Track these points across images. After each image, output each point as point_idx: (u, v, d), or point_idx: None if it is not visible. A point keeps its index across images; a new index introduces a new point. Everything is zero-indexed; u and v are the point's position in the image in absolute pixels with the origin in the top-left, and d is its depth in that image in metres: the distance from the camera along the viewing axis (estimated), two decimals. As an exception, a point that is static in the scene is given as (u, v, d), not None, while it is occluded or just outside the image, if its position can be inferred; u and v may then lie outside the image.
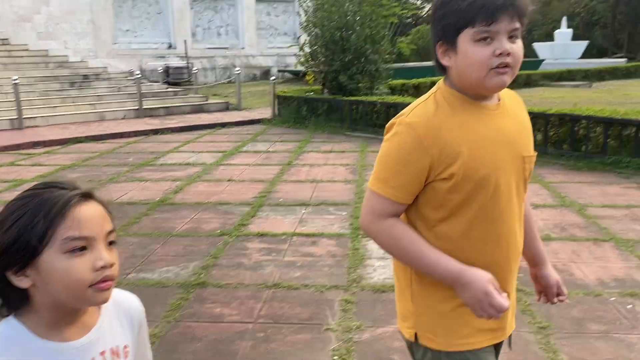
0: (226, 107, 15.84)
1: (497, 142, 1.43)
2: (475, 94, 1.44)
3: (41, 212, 0.98)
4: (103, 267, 1.01)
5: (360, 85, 12.69)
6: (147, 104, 14.61)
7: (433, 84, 11.97)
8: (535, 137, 9.11)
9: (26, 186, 5.36)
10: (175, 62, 21.64)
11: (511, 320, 1.65)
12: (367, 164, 8.46)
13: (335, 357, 3.10)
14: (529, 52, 41.74)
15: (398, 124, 1.44)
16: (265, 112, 14.53)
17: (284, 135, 11.44)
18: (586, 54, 34.35)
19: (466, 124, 1.41)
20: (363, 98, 11.97)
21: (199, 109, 15.37)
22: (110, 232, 1.07)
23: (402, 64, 21.70)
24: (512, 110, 1.53)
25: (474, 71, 1.34)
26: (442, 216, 1.44)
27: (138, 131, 12.06)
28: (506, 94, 1.54)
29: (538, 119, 8.87)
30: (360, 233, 5.19)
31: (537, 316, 3.55)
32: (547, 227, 5.31)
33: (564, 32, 33.43)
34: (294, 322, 3.55)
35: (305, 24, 13.18)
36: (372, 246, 4.87)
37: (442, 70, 1.52)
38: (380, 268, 4.38)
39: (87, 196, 1.07)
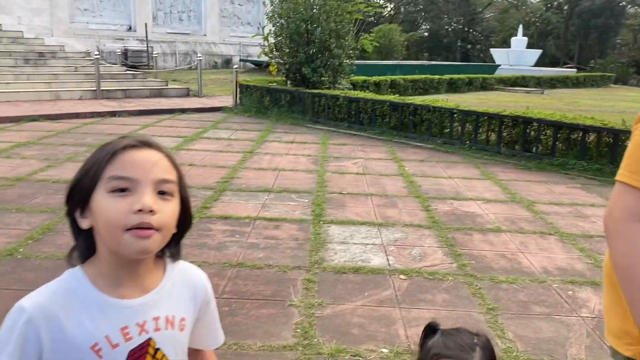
0: (186, 93, 15.70)
1: None
2: None
3: (100, 155, 1.02)
4: (140, 211, 0.97)
5: (323, 78, 12.83)
6: (105, 85, 14.30)
7: (393, 82, 12.42)
8: (489, 137, 9.52)
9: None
10: (134, 45, 21.21)
11: None
12: (328, 155, 8.62)
13: (298, 330, 3.23)
14: (486, 57, 42.95)
15: None
16: (227, 101, 14.48)
17: (246, 124, 11.46)
18: (539, 63, 35.71)
19: None
20: (326, 91, 12.12)
21: (158, 94, 15.16)
22: (163, 182, 1.02)
23: (364, 61, 22.01)
24: None
25: None
26: None
27: (95, 112, 11.82)
28: None
29: (493, 120, 9.26)
30: (322, 219, 5.34)
31: (487, 299, 3.79)
32: (498, 220, 5.60)
33: (519, 39, 34.63)
34: (258, 298, 3.66)
35: (270, 14, 13.21)
36: (334, 231, 5.04)
37: None
38: (341, 252, 4.54)
39: (146, 145, 1.05)
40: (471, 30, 50.88)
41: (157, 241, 1.00)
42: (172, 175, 1.06)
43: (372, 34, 15.67)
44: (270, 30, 13.56)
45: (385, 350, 3.09)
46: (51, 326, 0.98)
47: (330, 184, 6.69)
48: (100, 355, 1.00)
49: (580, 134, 8.29)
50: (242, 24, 25.89)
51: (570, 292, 3.99)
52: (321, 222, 5.28)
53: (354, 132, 10.83)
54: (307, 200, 6.00)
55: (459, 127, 9.71)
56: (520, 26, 37.18)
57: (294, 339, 3.14)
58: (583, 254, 4.75)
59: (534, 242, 5.02)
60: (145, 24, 20.92)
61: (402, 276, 4.13)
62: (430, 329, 1.35)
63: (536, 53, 35.04)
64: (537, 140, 8.72)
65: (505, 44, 40.32)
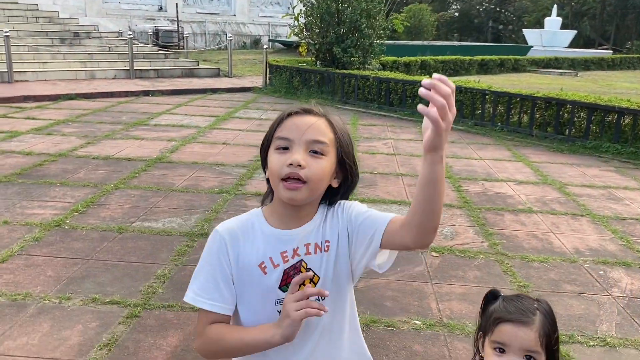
0: (217, 73, 15.85)
1: None
2: None
3: (274, 121, 1.28)
4: (291, 165, 1.18)
5: (353, 59, 12.82)
6: (138, 65, 14.55)
7: (423, 63, 12.30)
8: (521, 119, 9.41)
9: (22, 138, 5.60)
10: (165, 25, 21.41)
11: None
12: (358, 135, 8.68)
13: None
14: (518, 38, 42.00)
15: None
16: (256, 81, 14.59)
17: (276, 105, 11.56)
18: (573, 44, 34.77)
19: None
20: (356, 72, 12.12)
21: (189, 74, 15.35)
22: (315, 142, 1.21)
23: (394, 42, 21.81)
24: None
25: None
26: None
27: (129, 91, 12.07)
28: None
29: (525, 101, 9.16)
30: (353, 198, 5.43)
31: (518, 276, 3.85)
32: (530, 201, 5.61)
33: (553, 19, 33.73)
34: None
35: (301, -6, 13.19)
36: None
37: None
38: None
39: (307, 111, 1.25)
40: (503, 10, 49.76)
41: (303, 193, 1.20)
42: (324, 137, 1.23)
43: (402, 14, 15.53)
44: (300, 10, 13.56)
45: (418, 322, 3.20)
46: (234, 245, 1.26)
47: (361, 164, 6.76)
48: (265, 272, 1.25)
49: (615, 117, 8.16)
50: (270, 4, 25.85)
51: (602, 272, 4.01)
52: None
53: (384, 113, 10.84)
54: (338, 179, 6.09)
55: (491, 109, 9.64)
56: (555, 6, 36.18)
57: (330, 310, 3.26)
58: (615, 236, 4.75)
59: (566, 223, 5.03)
60: (176, 4, 21.09)
61: (433, 253, 4.21)
62: (492, 295, 1.38)
63: (570, 34, 34.13)
64: (570, 123, 8.61)
65: (539, 24, 39.36)
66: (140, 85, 13.04)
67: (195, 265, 1.31)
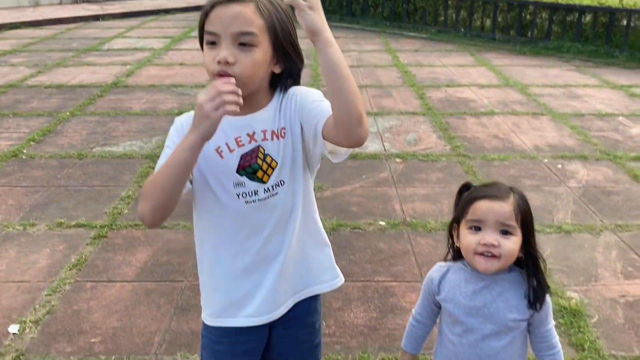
0: (170, -7, 15.03)
1: None
2: None
3: (201, 13, 1.19)
4: (219, 62, 1.13)
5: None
6: (85, -12, 13.68)
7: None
8: (484, 23, 9.25)
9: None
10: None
11: None
12: (320, 49, 8.48)
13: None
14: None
15: None
16: (213, -1, 13.93)
17: (234, 22, 11.11)
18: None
19: None
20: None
21: (141, -5, 14.52)
22: (241, 34, 1.13)
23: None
24: None
25: None
26: None
27: (78, 17, 11.41)
28: None
29: (488, 4, 9.01)
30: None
31: (479, 175, 3.95)
32: (491, 104, 5.66)
33: None
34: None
35: None
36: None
37: None
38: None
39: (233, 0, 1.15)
40: None
41: (238, 85, 1.10)
42: (252, 27, 1.14)
43: None
44: None
45: (382, 223, 3.28)
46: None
47: (324, 78, 6.64)
48: (222, 156, 1.24)
49: (577, 15, 8.12)
50: None
51: (560, 165, 4.14)
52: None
53: (347, 25, 10.56)
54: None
55: (453, 14, 9.47)
56: None
57: (297, 218, 3.31)
58: (574, 131, 4.87)
59: (526, 122, 5.12)
60: None
61: (397, 159, 4.26)
62: (465, 187, 1.37)
63: None
64: (533, 24, 8.55)
65: None
66: (88, 9, 12.34)
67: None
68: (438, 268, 1.39)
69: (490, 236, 1.24)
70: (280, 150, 1.26)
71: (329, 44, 1.06)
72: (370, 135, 4.77)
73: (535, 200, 3.55)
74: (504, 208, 1.24)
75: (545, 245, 3.02)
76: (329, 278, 1.45)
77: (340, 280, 1.48)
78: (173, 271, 2.76)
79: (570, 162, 4.21)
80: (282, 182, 1.27)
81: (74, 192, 3.66)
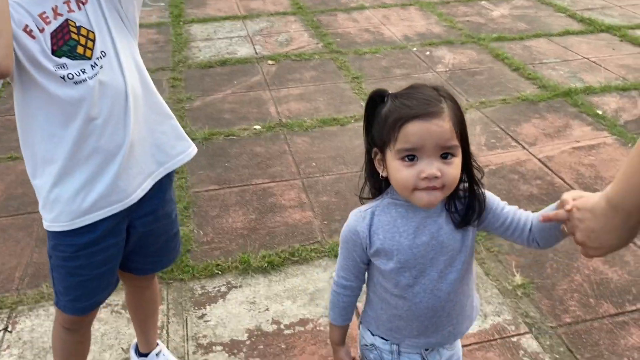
0: None
1: None
2: None
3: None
4: None
5: None
6: None
7: None
8: None
9: None
10: None
11: None
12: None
13: (169, 124, 3.21)
14: None
15: None
16: None
17: None
18: None
19: None
20: None
21: None
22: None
23: None
24: None
25: None
26: None
27: None
28: None
29: None
30: (182, 20, 5.03)
31: (351, 69, 3.93)
32: (362, -2, 5.59)
33: None
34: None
35: None
36: (196, 30, 4.79)
37: None
38: (206, 48, 4.37)
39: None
40: None
41: None
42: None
43: None
44: None
45: (258, 127, 3.19)
46: None
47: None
48: (32, 36, 1.10)
49: None
50: None
51: (428, 52, 4.22)
52: (181, 23, 4.97)
53: None
54: (163, 4, 5.55)
55: None
56: None
57: (166, 131, 3.12)
58: (440, 19, 4.95)
59: (396, 14, 5.12)
60: None
61: (270, 62, 4.11)
62: (378, 98, 1.03)
63: None
64: None
65: None
66: None
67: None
68: (358, 216, 1.08)
69: (430, 167, 0.95)
70: (91, 17, 1.16)
71: None
72: (239, 39, 4.56)
73: (405, 86, 3.60)
74: (443, 127, 0.95)
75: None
76: (181, 149, 1.38)
77: (194, 149, 1.42)
78: (30, 203, 2.52)
79: (437, 48, 4.29)
80: (103, 54, 1.17)
81: None
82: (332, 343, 1.21)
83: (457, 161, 0.98)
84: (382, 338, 1.13)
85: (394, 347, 1.12)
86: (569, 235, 0.94)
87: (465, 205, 1.04)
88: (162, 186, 1.36)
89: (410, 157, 0.96)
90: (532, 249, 1.11)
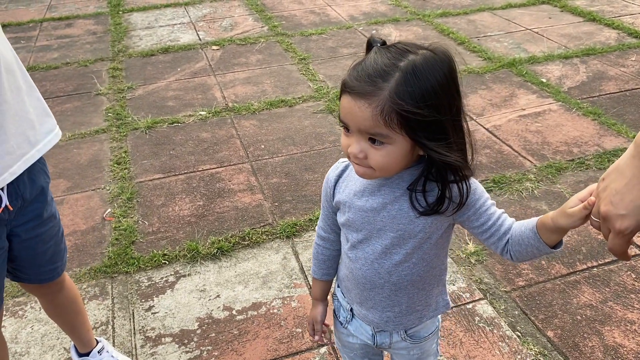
0: None
1: None
2: None
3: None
4: None
5: None
6: None
7: None
8: None
9: None
10: None
11: None
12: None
13: (110, 114, 3.07)
14: None
15: None
16: None
17: None
18: None
19: None
20: None
21: None
22: None
23: None
24: None
25: None
26: None
27: None
28: None
29: None
30: (121, 9, 4.83)
31: (298, 51, 3.85)
32: (306, -19, 5.50)
33: None
34: (59, 95, 3.35)
35: None
36: (136, 19, 4.61)
37: None
38: (147, 37, 4.22)
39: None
40: None
41: None
42: None
43: None
44: None
45: (203, 113, 3.09)
46: None
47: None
48: None
49: None
50: None
51: (374, 31, 4.18)
52: (120, 12, 4.78)
53: None
54: (100, -7, 5.33)
55: None
56: None
57: (106, 123, 2.99)
58: (385, -2, 4.92)
59: (341, -6, 5.07)
60: None
61: (214, 47, 3.99)
62: (368, 46, 0.91)
63: None
64: None
65: None
66: None
67: None
68: (334, 166, 1.05)
69: (355, 145, 0.87)
70: None
71: None
72: (182, 26, 4.42)
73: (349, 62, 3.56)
74: (364, 113, 0.82)
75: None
76: (50, 127, 1.18)
77: (59, 130, 1.22)
78: None
79: (383, 27, 4.26)
80: None
81: None
82: (312, 296, 1.20)
83: (390, 149, 0.85)
84: (342, 294, 1.13)
85: (348, 306, 1.11)
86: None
87: (436, 196, 0.92)
88: (36, 181, 1.17)
89: (346, 127, 0.88)
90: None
